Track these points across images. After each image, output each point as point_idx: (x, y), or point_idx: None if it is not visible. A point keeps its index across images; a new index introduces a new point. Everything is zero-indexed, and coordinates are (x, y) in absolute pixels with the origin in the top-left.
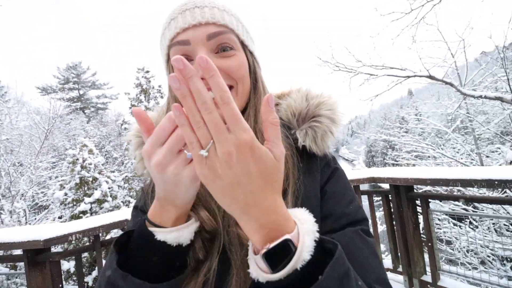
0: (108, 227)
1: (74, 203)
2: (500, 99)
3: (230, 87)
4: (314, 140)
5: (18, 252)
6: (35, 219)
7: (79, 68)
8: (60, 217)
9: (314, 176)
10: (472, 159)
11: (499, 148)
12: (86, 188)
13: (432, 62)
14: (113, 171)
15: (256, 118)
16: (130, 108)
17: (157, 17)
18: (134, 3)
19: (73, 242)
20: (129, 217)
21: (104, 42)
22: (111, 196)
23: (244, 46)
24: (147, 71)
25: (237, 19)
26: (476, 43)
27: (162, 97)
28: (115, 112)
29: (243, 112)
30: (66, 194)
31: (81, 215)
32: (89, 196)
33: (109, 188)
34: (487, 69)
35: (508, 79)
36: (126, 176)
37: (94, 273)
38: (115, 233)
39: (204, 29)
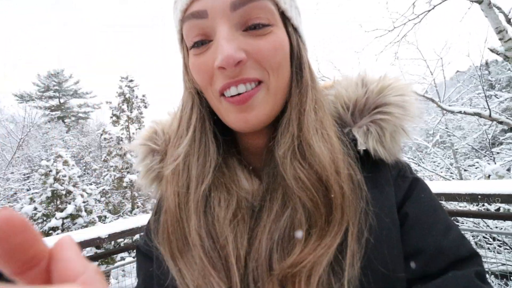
0: (78, 246)
1: (44, 218)
2: (478, 115)
3: (259, 82)
4: (380, 140)
5: None
6: None
7: (61, 76)
8: None
9: (384, 192)
10: (451, 173)
11: (477, 162)
12: (58, 202)
13: (413, 79)
14: (90, 184)
15: (300, 124)
16: (111, 117)
17: (157, 17)
18: (134, 3)
19: None
20: (103, 234)
21: (103, 42)
22: (85, 210)
23: (285, 18)
24: (131, 80)
25: None
26: (453, 62)
27: (146, 107)
28: (97, 122)
29: (281, 115)
30: (35, 209)
31: (51, 231)
32: (62, 210)
33: (84, 202)
34: (464, 86)
35: (485, 96)
36: (104, 189)
37: None
38: (88, 251)
39: None
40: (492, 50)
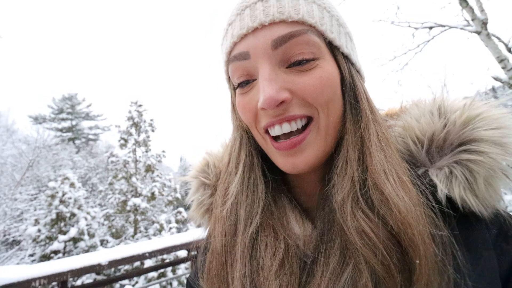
0: (78, 272)
1: (47, 240)
2: None
3: (308, 119)
4: (470, 187)
5: None
6: (4, 256)
7: (74, 100)
8: (32, 255)
9: (482, 259)
10: None
11: None
12: (62, 224)
13: None
14: (95, 206)
15: (363, 164)
16: (119, 141)
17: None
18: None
19: (47, 286)
20: (103, 261)
21: (107, 65)
22: (88, 234)
23: (333, 48)
24: (140, 105)
25: (322, 6)
26: (458, 88)
27: (153, 131)
28: (106, 144)
29: (334, 155)
30: (39, 231)
31: (52, 254)
32: (65, 233)
33: (87, 225)
34: None
35: None
36: (107, 213)
37: None
38: (88, 277)
39: (269, 33)
40: (495, 79)
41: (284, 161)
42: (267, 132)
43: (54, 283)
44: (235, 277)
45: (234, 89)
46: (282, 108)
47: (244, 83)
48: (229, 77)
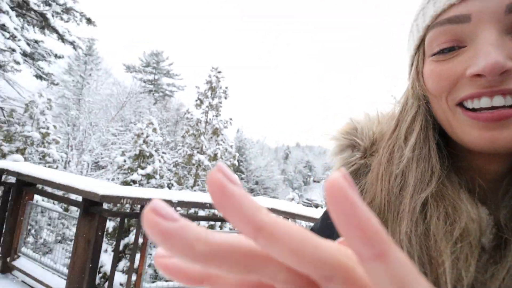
0: None
1: (129, 170)
2: None
3: None
4: None
5: (74, 197)
6: (92, 175)
7: (160, 56)
8: (112, 179)
9: None
10: None
11: None
12: (142, 160)
13: None
14: (165, 153)
15: None
16: (196, 101)
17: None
18: None
19: (124, 205)
20: (174, 199)
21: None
22: (159, 174)
23: None
24: (219, 71)
25: None
26: None
27: (226, 98)
28: (178, 101)
29: None
30: (125, 161)
31: (131, 183)
32: (143, 168)
33: (160, 167)
34: None
35: None
36: (177, 161)
37: (127, 239)
38: None
39: None
40: None
41: (480, 134)
42: (459, 104)
43: (135, 206)
44: (400, 231)
45: (424, 56)
46: (501, 78)
47: (446, 50)
48: (419, 44)
